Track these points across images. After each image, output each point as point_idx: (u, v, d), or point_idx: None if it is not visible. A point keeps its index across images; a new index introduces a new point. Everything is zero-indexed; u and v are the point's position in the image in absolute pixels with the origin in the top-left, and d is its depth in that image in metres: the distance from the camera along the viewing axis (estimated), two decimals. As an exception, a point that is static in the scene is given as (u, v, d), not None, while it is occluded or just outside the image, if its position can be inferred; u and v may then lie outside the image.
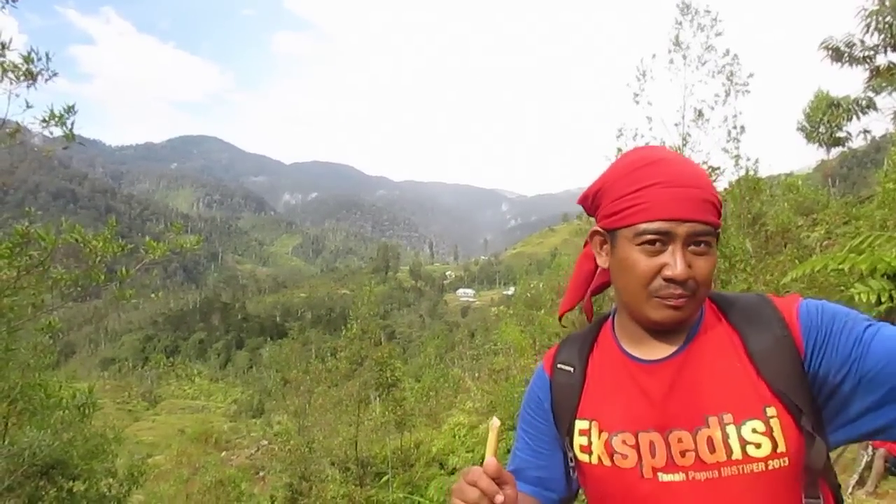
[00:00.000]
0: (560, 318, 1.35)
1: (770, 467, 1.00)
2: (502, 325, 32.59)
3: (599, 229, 1.14)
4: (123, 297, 4.99)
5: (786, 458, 1.00)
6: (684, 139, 11.50)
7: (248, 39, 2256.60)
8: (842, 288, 10.98)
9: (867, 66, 11.76)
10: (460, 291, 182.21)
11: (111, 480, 10.44)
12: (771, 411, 1.01)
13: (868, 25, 10.88)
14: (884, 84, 11.39)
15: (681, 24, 12.61)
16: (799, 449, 1.01)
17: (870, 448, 6.05)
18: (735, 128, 12.63)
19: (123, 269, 4.89)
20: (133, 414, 73.07)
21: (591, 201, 1.17)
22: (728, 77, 12.57)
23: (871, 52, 11.50)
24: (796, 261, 12.28)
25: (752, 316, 1.09)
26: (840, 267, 10.47)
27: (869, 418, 1.00)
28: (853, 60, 11.66)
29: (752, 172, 13.18)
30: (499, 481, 0.99)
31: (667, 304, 1.05)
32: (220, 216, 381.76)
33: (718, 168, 12.51)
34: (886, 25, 10.63)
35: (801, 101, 23.73)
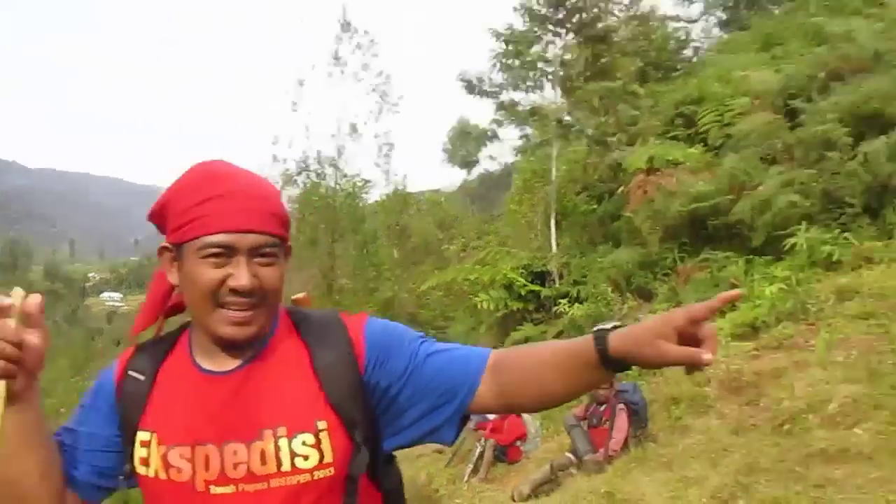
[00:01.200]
0: (130, 342, 1.26)
1: (316, 477, 1.05)
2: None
3: (168, 245, 1.11)
4: None
5: (331, 468, 1.06)
6: (339, 151, 11.93)
7: None
8: (472, 296, 12.46)
9: (494, 100, 13.49)
10: (105, 295, 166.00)
11: None
12: (322, 425, 1.07)
13: (495, 65, 12.51)
14: (509, 118, 13.18)
15: (341, 39, 13.10)
16: (346, 459, 1.08)
17: (482, 440, 6.90)
18: (386, 144, 13.48)
19: None
20: None
21: (158, 217, 1.14)
22: (381, 96, 13.34)
23: (498, 89, 13.24)
24: (436, 270, 13.61)
25: (321, 333, 1.15)
26: (469, 277, 11.86)
27: (422, 423, 1.13)
28: (483, 94, 13.29)
29: (401, 188, 14.24)
30: (28, 323, 0.97)
31: (233, 319, 1.06)
32: None
33: (370, 181, 13.24)
34: (508, 67, 12.33)
35: (451, 124, 26.57)
